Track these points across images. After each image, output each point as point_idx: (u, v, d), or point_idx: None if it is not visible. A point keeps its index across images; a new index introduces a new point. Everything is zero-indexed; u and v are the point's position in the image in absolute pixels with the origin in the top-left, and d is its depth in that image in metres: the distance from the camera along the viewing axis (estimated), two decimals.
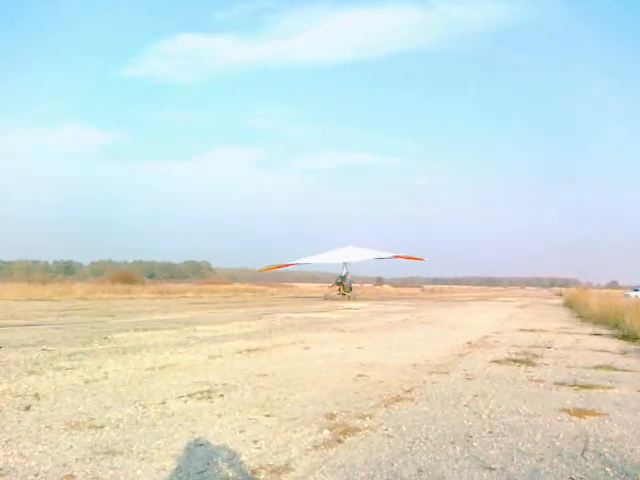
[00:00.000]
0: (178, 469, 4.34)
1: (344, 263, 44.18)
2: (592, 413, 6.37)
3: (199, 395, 6.88)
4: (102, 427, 5.43)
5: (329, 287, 45.96)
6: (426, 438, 5.25)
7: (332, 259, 46.08)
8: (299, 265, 52.96)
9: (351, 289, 43.53)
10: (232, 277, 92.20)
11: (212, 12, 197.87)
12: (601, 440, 5.30)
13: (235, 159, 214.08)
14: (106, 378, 7.91)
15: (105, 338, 12.48)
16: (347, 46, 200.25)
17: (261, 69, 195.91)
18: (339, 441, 5.12)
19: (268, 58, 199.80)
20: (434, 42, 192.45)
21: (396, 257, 49.33)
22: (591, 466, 4.55)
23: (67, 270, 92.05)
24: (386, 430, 5.50)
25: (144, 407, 6.26)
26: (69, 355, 9.89)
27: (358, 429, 5.52)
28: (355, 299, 41.51)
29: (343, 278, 43.46)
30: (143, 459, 4.55)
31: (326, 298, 42.33)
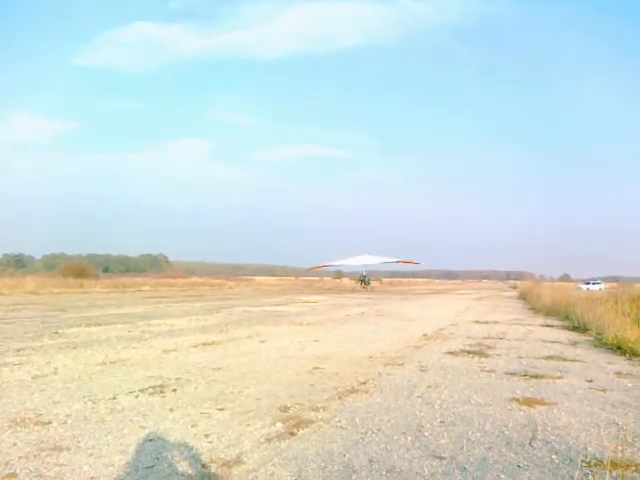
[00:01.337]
0: (127, 464, 4.26)
1: (363, 266, 58.18)
2: (541, 402, 6.52)
3: (151, 390, 6.77)
4: (49, 423, 5.29)
5: (354, 283, 59.70)
6: (379, 429, 5.29)
7: (355, 262, 59.39)
8: (332, 266, 70.45)
9: (369, 284, 56.58)
10: (190, 271, 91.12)
11: (167, 0, 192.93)
12: (549, 429, 5.43)
13: (191, 151, 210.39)
14: (55, 373, 7.72)
15: (56, 333, 12.18)
16: (305, 39, 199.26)
17: (217, 60, 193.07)
18: (292, 434, 5.11)
19: (225, 49, 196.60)
20: (392, 37, 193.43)
21: (398, 262, 64.44)
22: (538, 454, 4.66)
23: (18, 263, 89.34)
24: (339, 422, 5.52)
25: (94, 402, 6.12)
26: (18, 350, 9.62)
27: (312, 421, 5.52)
28: (373, 291, 52.79)
29: (364, 277, 57.11)
30: (91, 455, 4.45)
31: (353, 290, 53.64)
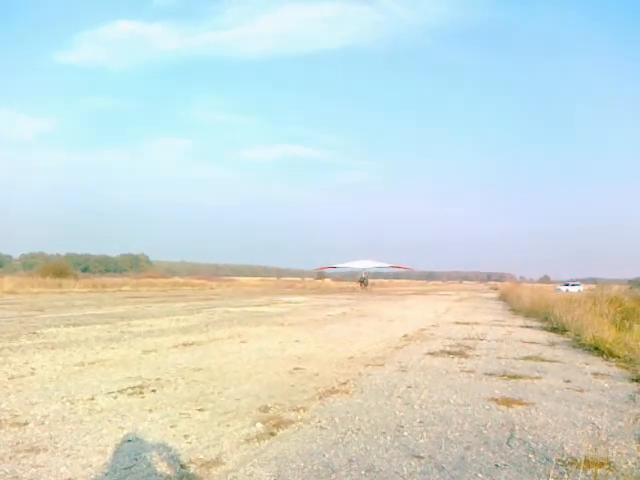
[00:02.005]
0: (105, 465, 4.23)
1: (363, 269, 66.62)
2: (519, 402, 6.59)
3: (130, 390, 6.72)
4: (26, 424, 5.23)
5: (355, 284, 66.17)
6: (358, 429, 5.31)
7: (357, 266, 67.50)
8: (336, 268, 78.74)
9: (368, 284, 64.32)
10: (171, 271, 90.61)
11: None
12: (526, 428, 5.49)
13: (172, 150, 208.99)
14: (33, 374, 7.63)
15: (33, 333, 12.04)
16: (288, 40, 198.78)
17: (199, 59, 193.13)
18: (272, 434, 5.11)
19: (207, 48, 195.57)
20: (374, 38, 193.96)
21: (393, 267, 75.12)
22: (515, 453, 4.71)
23: None
24: (319, 422, 5.53)
25: (72, 403, 6.07)
26: None
27: (292, 422, 5.53)
28: (372, 291, 57.71)
29: (363, 278, 65.27)
30: (68, 456, 4.41)
31: (354, 290, 59.31)
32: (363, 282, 65.43)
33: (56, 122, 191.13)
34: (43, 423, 5.29)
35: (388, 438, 5.04)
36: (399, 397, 6.70)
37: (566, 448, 4.84)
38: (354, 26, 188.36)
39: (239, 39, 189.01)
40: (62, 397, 6.32)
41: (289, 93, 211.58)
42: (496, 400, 6.65)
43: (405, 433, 5.20)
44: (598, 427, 5.54)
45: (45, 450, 4.53)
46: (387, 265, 72.23)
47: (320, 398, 6.56)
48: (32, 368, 8.02)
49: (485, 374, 8.37)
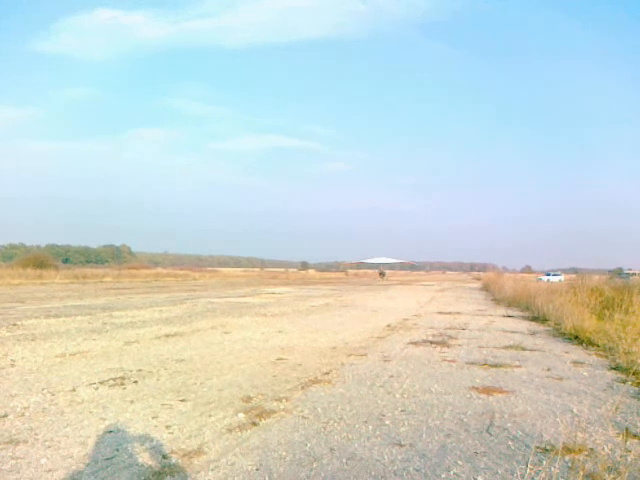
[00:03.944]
0: (86, 456, 4.20)
1: (381, 264, 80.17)
2: (499, 390, 6.65)
3: (112, 382, 6.69)
4: (5, 416, 5.19)
5: (375, 275, 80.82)
6: (340, 418, 5.33)
7: (376, 261, 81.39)
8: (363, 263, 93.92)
9: (385, 276, 76.21)
10: (154, 262, 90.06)
11: None
12: (506, 416, 5.55)
13: (152, 140, 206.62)
14: (13, 365, 7.57)
15: (14, 325, 11.93)
16: (270, 29, 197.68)
17: (180, 49, 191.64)
18: (254, 424, 5.11)
19: (188, 38, 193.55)
20: (357, 28, 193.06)
21: (403, 262, 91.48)
22: (495, 440, 4.75)
23: None
24: (302, 412, 5.54)
25: (52, 395, 6.03)
26: None
27: (274, 411, 5.53)
28: (388, 281, 66.70)
29: (382, 271, 77.71)
30: (49, 447, 4.38)
31: (375, 280, 68.51)
32: (381, 274, 77.57)
33: (34, 112, 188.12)
34: (23, 415, 5.25)
35: (370, 427, 5.06)
36: (381, 386, 6.73)
37: (545, 435, 4.89)
38: (336, 16, 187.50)
39: (220, 28, 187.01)
40: (42, 389, 6.27)
41: (271, 83, 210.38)
42: (477, 389, 6.72)
43: (387, 422, 5.23)
44: (577, 415, 5.61)
45: (25, 442, 4.49)
46: (399, 260, 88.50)
47: (303, 388, 6.58)
48: (12, 360, 7.95)
49: (466, 363, 8.44)
